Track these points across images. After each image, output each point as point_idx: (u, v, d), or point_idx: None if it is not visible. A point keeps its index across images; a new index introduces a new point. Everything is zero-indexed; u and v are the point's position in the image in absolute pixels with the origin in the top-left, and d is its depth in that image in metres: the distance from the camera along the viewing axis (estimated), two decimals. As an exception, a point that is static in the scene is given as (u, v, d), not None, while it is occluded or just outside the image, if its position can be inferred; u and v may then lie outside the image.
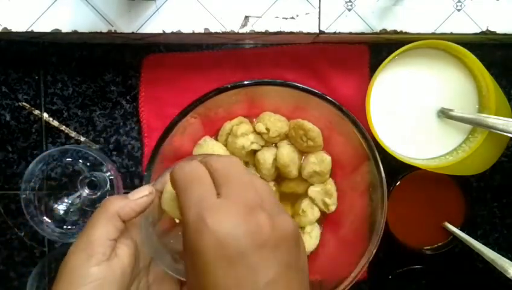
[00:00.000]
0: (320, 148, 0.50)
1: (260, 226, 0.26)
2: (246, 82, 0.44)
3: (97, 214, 0.32)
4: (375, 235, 0.44)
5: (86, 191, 0.53)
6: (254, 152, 0.50)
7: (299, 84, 0.44)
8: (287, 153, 0.48)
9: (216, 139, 0.51)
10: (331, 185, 0.50)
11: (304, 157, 0.50)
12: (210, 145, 0.48)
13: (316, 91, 0.44)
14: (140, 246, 0.35)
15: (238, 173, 0.29)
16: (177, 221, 0.37)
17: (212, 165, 0.30)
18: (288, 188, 0.51)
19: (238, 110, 0.50)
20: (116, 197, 0.33)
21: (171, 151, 0.45)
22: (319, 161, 0.49)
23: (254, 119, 0.51)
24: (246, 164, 0.50)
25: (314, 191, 0.50)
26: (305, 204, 0.50)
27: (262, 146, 0.50)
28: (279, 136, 0.49)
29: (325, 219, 0.52)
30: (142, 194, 0.33)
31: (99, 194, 0.53)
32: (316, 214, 0.50)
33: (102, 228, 0.31)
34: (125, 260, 0.32)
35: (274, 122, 0.48)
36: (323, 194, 0.50)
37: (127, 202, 0.33)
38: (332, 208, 0.50)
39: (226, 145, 0.49)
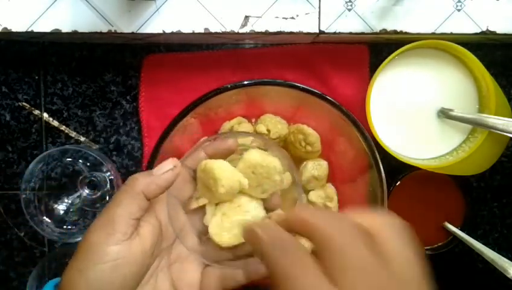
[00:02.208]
0: (318, 154, 0.50)
1: None
2: (246, 82, 0.44)
3: (122, 192, 0.31)
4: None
5: (86, 191, 0.53)
6: None
7: (299, 84, 0.44)
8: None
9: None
10: (330, 189, 0.50)
11: (303, 163, 0.50)
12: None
13: (316, 91, 0.44)
14: (165, 224, 0.34)
15: (354, 246, 0.22)
16: (207, 202, 0.36)
17: (314, 232, 0.23)
18: (289, 196, 0.51)
19: (237, 110, 0.50)
20: (141, 174, 0.32)
21: (171, 151, 0.45)
22: (317, 166, 0.49)
23: (253, 120, 0.51)
24: None
25: (314, 195, 0.50)
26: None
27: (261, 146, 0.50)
28: (279, 138, 0.49)
29: None
30: (167, 168, 0.32)
31: (99, 194, 0.53)
32: None
33: (125, 207, 0.30)
34: (147, 239, 0.31)
35: (275, 124, 0.49)
36: (324, 198, 0.50)
37: (152, 179, 0.31)
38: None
39: None
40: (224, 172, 0.33)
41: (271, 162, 0.35)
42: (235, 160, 0.36)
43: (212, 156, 0.35)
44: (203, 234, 0.35)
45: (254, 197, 0.36)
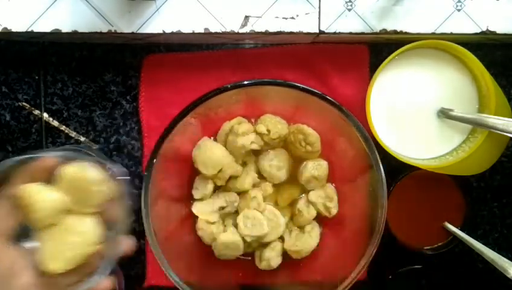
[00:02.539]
0: (318, 154, 0.50)
1: None
2: (246, 82, 0.44)
3: None
4: (375, 235, 0.44)
5: (86, 191, 0.53)
6: (253, 153, 0.50)
7: (299, 84, 0.44)
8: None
9: (215, 139, 0.51)
10: (330, 189, 0.50)
11: (303, 163, 0.50)
12: (209, 147, 0.48)
13: (315, 91, 0.44)
14: None
15: None
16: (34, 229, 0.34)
17: None
18: (285, 195, 0.51)
19: (237, 110, 0.50)
20: None
21: (171, 151, 0.45)
22: (317, 166, 0.49)
23: (253, 120, 0.51)
24: (244, 164, 0.50)
25: (314, 195, 0.50)
26: (300, 204, 0.50)
27: (262, 147, 0.50)
28: (279, 138, 0.49)
29: (325, 219, 0.52)
30: None
31: (99, 194, 0.53)
32: (312, 212, 0.50)
33: None
34: None
35: (275, 124, 0.49)
36: (324, 198, 0.50)
37: None
38: (334, 211, 0.50)
39: (225, 145, 0.49)
40: (38, 195, 0.32)
41: (85, 173, 0.33)
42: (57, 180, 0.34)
43: (29, 180, 0.33)
44: (39, 270, 0.33)
45: (86, 213, 0.34)
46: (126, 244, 0.35)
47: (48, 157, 0.33)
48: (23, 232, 0.34)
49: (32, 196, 0.32)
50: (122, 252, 0.34)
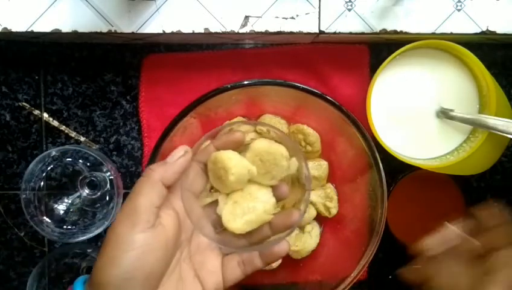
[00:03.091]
0: (318, 154, 0.50)
1: None
2: (246, 82, 0.44)
3: (140, 183, 0.33)
4: (375, 235, 0.44)
5: (86, 191, 0.53)
6: None
7: (299, 84, 0.44)
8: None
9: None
10: (330, 189, 0.50)
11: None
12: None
13: (316, 91, 0.44)
14: (183, 217, 0.35)
15: None
16: (219, 192, 0.37)
17: None
18: (292, 196, 0.50)
19: (237, 110, 0.50)
20: (156, 164, 0.34)
21: (171, 151, 0.45)
22: (317, 166, 0.49)
23: (253, 120, 0.51)
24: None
25: (314, 195, 0.50)
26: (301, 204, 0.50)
27: None
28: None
29: (325, 219, 0.52)
30: (179, 154, 0.34)
31: (99, 194, 0.53)
32: (312, 212, 0.50)
33: (146, 196, 0.32)
34: (170, 228, 0.33)
35: (275, 124, 0.49)
36: (323, 198, 0.50)
37: (167, 166, 0.34)
38: (334, 211, 0.50)
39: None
40: (234, 161, 0.35)
41: (277, 148, 0.36)
42: (242, 151, 0.37)
43: (221, 149, 0.36)
44: (218, 224, 0.36)
45: (263, 184, 0.37)
46: (295, 218, 0.36)
47: (238, 132, 0.37)
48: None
49: (229, 161, 0.35)
50: (292, 225, 0.36)
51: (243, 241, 0.37)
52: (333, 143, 0.50)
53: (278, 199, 0.37)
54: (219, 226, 0.37)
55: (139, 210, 0.31)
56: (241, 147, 0.37)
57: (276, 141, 0.37)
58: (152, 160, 0.43)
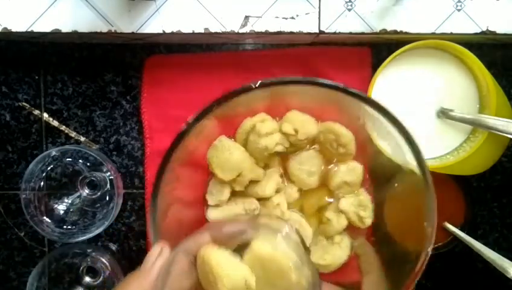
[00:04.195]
0: (351, 157, 0.44)
1: None
2: (272, 80, 0.36)
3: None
4: (427, 243, 0.36)
5: (86, 191, 0.53)
6: (277, 153, 0.45)
7: (330, 82, 0.37)
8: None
9: (233, 138, 0.45)
10: (363, 196, 0.45)
11: (333, 166, 0.45)
12: (226, 146, 0.42)
13: (356, 92, 0.37)
14: None
15: None
16: None
17: None
18: (313, 200, 0.46)
19: (259, 106, 0.44)
20: (132, 278, 0.30)
21: (183, 156, 0.39)
22: (350, 170, 0.44)
23: (277, 118, 0.45)
24: (266, 167, 0.45)
25: (346, 203, 0.44)
26: (329, 212, 0.45)
27: (287, 148, 0.44)
28: (307, 139, 0.43)
29: (356, 230, 0.46)
30: (154, 257, 0.31)
31: (99, 194, 0.53)
32: (343, 222, 0.44)
33: None
34: None
35: (303, 123, 0.43)
36: (356, 206, 0.44)
37: (143, 277, 0.30)
38: (368, 221, 0.44)
39: (245, 145, 0.44)
40: (226, 268, 0.28)
41: (283, 257, 0.28)
42: (242, 248, 0.30)
43: (218, 240, 0.30)
44: None
45: None
46: None
47: (236, 223, 0.31)
48: None
49: (221, 268, 0.27)
50: None
51: None
52: (366, 145, 0.44)
53: None
54: None
55: None
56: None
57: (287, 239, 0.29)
58: (157, 187, 0.36)
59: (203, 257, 0.29)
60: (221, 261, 0.28)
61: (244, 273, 0.28)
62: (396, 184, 0.45)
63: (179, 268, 0.30)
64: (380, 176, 0.45)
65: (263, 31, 0.45)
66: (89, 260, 0.53)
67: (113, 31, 0.44)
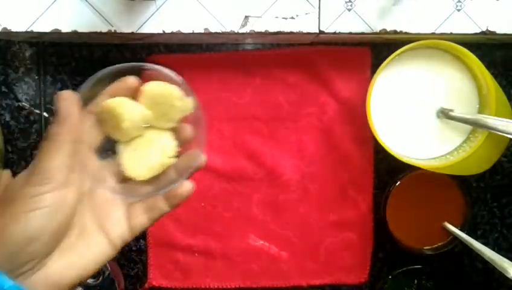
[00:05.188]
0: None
1: None
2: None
3: (47, 146, 0.31)
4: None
5: (85, 191, 0.53)
6: None
7: None
8: None
9: None
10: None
11: None
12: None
13: None
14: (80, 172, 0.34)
15: None
16: (119, 143, 0.36)
17: None
18: None
19: None
20: (57, 125, 0.32)
21: None
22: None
23: None
24: None
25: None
26: None
27: None
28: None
29: None
30: (66, 103, 0.32)
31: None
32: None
33: (55, 158, 0.31)
34: (76, 187, 0.33)
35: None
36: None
37: (66, 123, 0.32)
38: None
39: None
40: (125, 107, 0.34)
41: (170, 89, 0.35)
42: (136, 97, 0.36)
43: (117, 96, 0.35)
44: (121, 174, 0.36)
45: (162, 128, 0.36)
46: (199, 159, 0.36)
47: (130, 77, 0.35)
48: (104, 147, 0.36)
49: (120, 107, 0.34)
50: (196, 166, 0.36)
51: (149, 188, 0.36)
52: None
53: (183, 140, 0.37)
54: (121, 175, 0.36)
55: (51, 171, 0.30)
56: (136, 93, 0.36)
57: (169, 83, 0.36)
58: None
59: (106, 106, 0.34)
60: (120, 102, 0.34)
61: (141, 109, 0.35)
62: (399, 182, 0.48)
63: (87, 125, 0.35)
64: (383, 173, 0.47)
65: (263, 31, 0.45)
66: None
67: (113, 31, 0.44)
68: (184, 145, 0.37)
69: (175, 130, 0.36)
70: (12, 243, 0.29)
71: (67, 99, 0.32)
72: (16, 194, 0.30)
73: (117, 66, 0.35)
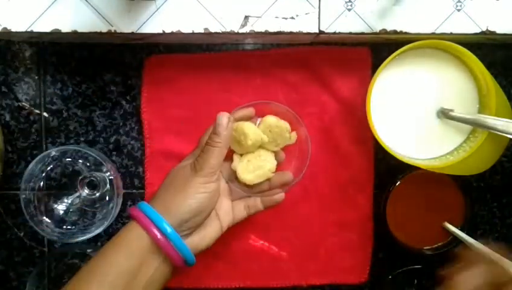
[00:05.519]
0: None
1: None
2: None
3: (213, 149, 0.42)
4: None
5: (85, 191, 0.53)
6: None
7: None
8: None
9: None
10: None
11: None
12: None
13: None
14: None
15: None
16: (235, 154, 0.48)
17: None
18: None
19: None
20: (217, 136, 0.42)
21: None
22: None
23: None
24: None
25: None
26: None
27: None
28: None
29: None
30: (226, 122, 0.43)
31: (98, 194, 0.53)
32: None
33: (216, 158, 0.42)
34: (221, 181, 0.47)
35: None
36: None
37: (224, 135, 0.42)
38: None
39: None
40: (251, 129, 0.45)
41: (283, 123, 0.47)
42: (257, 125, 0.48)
43: (239, 120, 0.46)
44: (231, 177, 0.48)
45: (269, 149, 0.48)
46: (287, 178, 0.48)
47: (250, 108, 0.47)
48: None
49: (248, 129, 0.45)
50: (287, 183, 0.48)
51: (248, 191, 0.48)
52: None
53: (278, 161, 0.48)
54: (231, 178, 0.48)
55: (214, 168, 0.42)
56: (255, 120, 0.48)
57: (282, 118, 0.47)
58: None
59: (236, 127, 0.46)
60: (247, 126, 0.45)
61: (260, 133, 0.46)
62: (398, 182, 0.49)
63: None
64: (383, 173, 0.48)
65: (263, 31, 0.45)
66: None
67: (113, 31, 0.44)
68: (280, 166, 0.48)
69: (275, 153, 0.48)
70: (186, 213, 0.41)
71: (225, 118, 0.43)
72: (187, 180, 0.42)
73: (250, 103, 0.48)
